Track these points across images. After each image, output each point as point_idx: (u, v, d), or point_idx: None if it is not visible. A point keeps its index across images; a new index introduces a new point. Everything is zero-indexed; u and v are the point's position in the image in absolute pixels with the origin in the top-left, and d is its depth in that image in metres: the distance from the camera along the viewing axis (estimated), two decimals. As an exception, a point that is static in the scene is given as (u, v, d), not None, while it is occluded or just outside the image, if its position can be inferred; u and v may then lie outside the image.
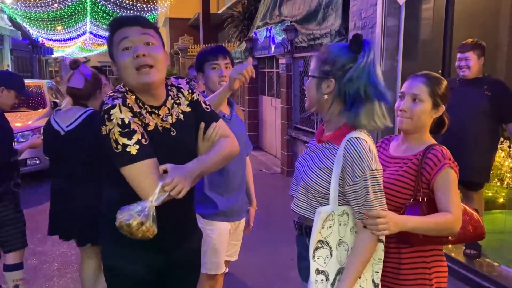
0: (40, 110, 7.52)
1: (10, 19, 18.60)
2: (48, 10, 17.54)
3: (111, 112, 1.49)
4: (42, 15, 18.14)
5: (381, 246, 1.59)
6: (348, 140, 1.50)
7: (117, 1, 16.75)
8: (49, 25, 20.69)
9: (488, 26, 5.30)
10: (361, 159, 1.46)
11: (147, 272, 1.67)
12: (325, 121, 1.64)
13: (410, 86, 1.80)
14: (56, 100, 8.08)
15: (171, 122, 1.64)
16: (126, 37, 1.55)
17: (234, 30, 12.37)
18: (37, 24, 19.92)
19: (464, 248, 3.73)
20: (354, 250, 1.52)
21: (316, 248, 1.52)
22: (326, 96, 1.56)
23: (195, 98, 1.75)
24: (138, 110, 1.56)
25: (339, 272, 1.53)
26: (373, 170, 1.47)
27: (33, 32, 21.45)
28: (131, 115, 1.52)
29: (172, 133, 1.63)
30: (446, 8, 4.14)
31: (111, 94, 1.57)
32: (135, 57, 1.53)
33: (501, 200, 4.47)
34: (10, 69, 18.97)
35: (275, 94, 8.61)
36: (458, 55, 3.58)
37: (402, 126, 1.80)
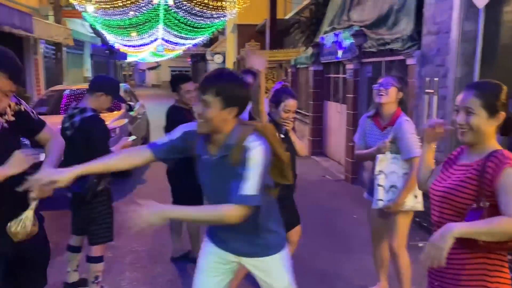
0: (116, 112, 7.97)
1: (91, 26, 19.93)
2: (125, 17, 18.60)
3: None
4: (119, 23, 19.28)
5: None
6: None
7: (188, 9, 17.38)
8: (125, 32, 21.92)
9: None
10: None
11: None
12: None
13: (463, 99, 1.79)
14: (131, 103, 8.50)
15: None
16: None
17: (301, 35, 12.37)
18: (114, 31, 21.19)
19: None
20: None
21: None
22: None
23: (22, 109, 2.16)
24: None
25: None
26: None
27: (110, 38, 22.83)
28: None
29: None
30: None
31: None
32: None
33: None
34: (89, 73, 20.33)
35: (340, 99, 8.50)
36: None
37: (463, 139, 1.81)
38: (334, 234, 4.79)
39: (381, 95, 3.03)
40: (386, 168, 3.02)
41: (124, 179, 7.08)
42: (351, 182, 7.14)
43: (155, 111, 13.46)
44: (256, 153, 1.86)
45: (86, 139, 3.07)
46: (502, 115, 1.76)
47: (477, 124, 1.74)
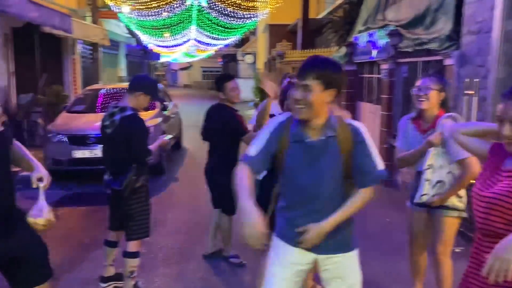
0: (150, 111, 8.11)
1: (126, 27, 20.37)
2: (158, 18, 18.92)
3: None
4: (153, 23, 19.62)
5: None
6: None
7: (221, 9, 17.51)
8: (159, 32, 22.29)
9: None
10: None
11: None
12: None
13: (506, 111, 1.68)
14: (165, 103, 8.63)
15: None
16: None
17: (333, 35, 12.26)
18: (148, 32, 21.58)
19: None
20: None
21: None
22: None
23: None
24: None
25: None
26: None
27: (144, 39, 23.27)
28: None
29: None
30: None
31: None
32: None
33: None
34: (124, 73, 20.79)
35: (374, 100, 8.37)
36: None
37: (510, 149, 1.73)
38: (366, 238, 4.70)
39: (422, 100, 2.91)
40: (436, 162, 2.89)
41: (158, 176, 7.20)
42: (384, 185, 7.02)
43: (186, 111, 13.65)
44: (366, 131, 2.03)
45: (126, 137, 3.15)
46: None
47: None
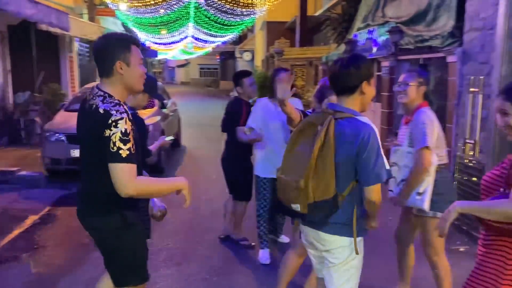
0: (149, 109, 8.03)
1: (123, 24, 20.25)
2: (156, 15, 18.82)
3: (118, 121, 1.97)
4: (150, 20, 19.52)
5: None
6: None
7: (219, 6, 17.42)
8: (156, 30, 22.18)
9: None
10: None
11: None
12: None
13: (496, 105, 1.93)
14: (164, 100, 8.56)
15: None
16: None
17: (332, 32, 12.20)
18: (145, 29, 21.48)
19: None
20: None
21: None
22: None
23: None
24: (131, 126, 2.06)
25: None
26: None
27: (142, 36, 23.15)
28: (131, 128, 2.03)
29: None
30: None
31: (112, 106, 2.02)
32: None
33: None
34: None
35: (374, 98, 8.32)
36: None
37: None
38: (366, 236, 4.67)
39: (401, 96, 2.99)
40: (400, 161, 2.94)
41: (157, 175, 7.12)
42: (385, 182, 6.98)
43: (184, 109, 13.58)
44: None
45: None
46: None
47: None
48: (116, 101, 2.06)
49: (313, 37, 18.22)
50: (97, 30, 14.15)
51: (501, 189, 1.86)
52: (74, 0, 14.25)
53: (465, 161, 4.73)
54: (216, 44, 29.68)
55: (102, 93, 2.09)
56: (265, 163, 3.86)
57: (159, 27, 21.70)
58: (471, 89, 4.69)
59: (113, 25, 19.24)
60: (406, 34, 6.46)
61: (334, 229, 2.11)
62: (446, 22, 5.46)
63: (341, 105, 2.14)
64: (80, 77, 14.25)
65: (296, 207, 2.01)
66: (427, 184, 2.81)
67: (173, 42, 27.08)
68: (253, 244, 4.34)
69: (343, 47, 9.75)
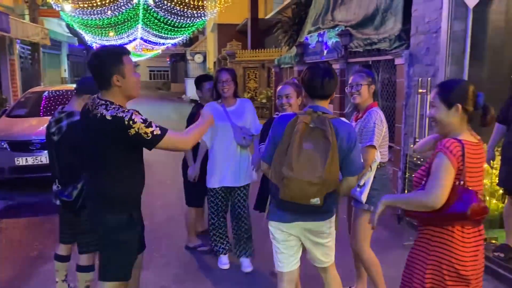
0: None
1: (68, 26, 19.50)
2: (103, 17, 18.25)
3: (132, 118, 2.19)
4: (97, 22, 18.90)
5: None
6: None
7: (169, 8, 17.16)
8: (103, 32, 21.52)
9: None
10: None
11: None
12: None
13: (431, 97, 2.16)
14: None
15: None
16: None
17: (283, 35, 12.34)
18: (92, 31, 20.78)
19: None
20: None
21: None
22: None
23: None
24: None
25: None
26: None
27: (88, 38, 22.40)
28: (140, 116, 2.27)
29: None
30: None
31: (117, 111, 2.21)
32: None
33: None
34: (66, 73, 19.88)
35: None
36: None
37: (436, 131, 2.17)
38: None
39: (355, 96, 3.09)
40: None
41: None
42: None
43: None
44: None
45: (74, 145, 2.92)
46: (458, 106, 1.98)
47: (439, 116, 2.04)
48: (117, 106, 2.24)
49: (264, 40, 18.35)
50: (40, 32, 13.52)
51: (423, 182, 2.04)
52: (14, 0, 13.55)
53: (414, 159, 4.91)
54: (166, 46, 29.23)
55: (103, 102, 2.25)
56: (212, 172, 3.81)
57: (107, 29, 21.08)
58: (420, 90, 4.88)
59: (58, 27, 18.50)
60: (355, 37, 6.63)
61: (327, 215, 2.48)
62: (394, 25, 5.65)
63: (323, 107, 2.44)
64: (22, 81, 13.57)
65: (316, 200, 2.27)
66: (367, 178, 2.97)
67: (121, 44, 26.37)
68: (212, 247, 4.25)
69: (294, 50, 9.87)
